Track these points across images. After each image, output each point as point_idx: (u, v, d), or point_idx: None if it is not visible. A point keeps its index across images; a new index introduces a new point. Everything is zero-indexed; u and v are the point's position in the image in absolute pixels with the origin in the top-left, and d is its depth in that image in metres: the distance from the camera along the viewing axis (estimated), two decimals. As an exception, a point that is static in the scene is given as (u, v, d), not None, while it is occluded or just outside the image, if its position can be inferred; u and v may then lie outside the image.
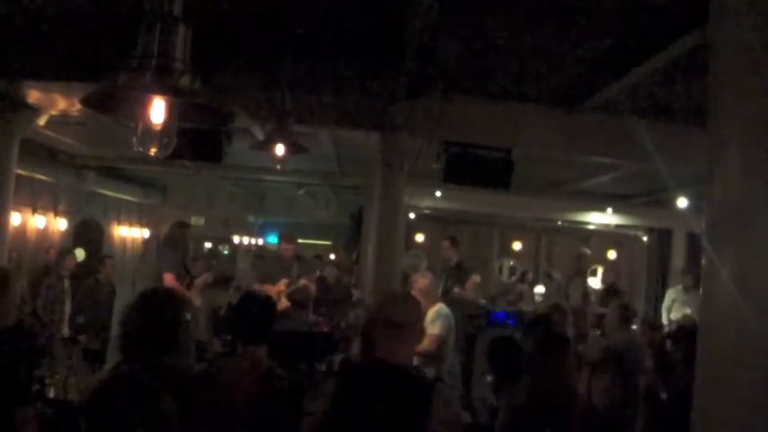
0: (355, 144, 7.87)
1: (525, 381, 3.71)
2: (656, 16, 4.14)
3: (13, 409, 3.09)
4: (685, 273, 10.15)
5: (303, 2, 4.52)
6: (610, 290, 10.84)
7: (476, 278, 8.71)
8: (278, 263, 7.55)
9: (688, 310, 8.81)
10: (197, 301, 7.51)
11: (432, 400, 2.65)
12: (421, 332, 2.92)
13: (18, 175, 7.19)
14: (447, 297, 7.39)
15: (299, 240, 9.65)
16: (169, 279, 6.99)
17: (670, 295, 10.04)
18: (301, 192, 14.33)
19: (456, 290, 7.88)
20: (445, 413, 2.67)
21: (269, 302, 3.52)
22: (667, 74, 4.93)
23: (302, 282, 7.26)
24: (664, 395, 4.75)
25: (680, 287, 9.95)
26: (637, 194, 11.31)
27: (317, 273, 8.19)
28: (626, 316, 6.05)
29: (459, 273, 8.20)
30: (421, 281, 6.19)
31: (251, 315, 3.35)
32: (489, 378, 4.56)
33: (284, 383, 3.14)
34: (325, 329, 8.19)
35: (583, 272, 12.70)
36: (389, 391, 2.69)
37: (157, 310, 2.83)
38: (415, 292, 6.23)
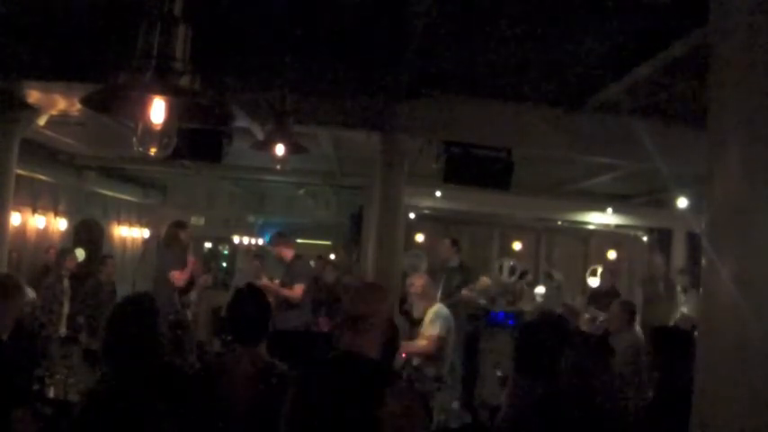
0: (355, 144, 7.87)
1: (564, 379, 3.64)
2: (656, 16, 4.14)
3: (11, 410, 3.09)
4: (683, 273, 10.14)
5: (303, 2, 4.52)
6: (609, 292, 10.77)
7: (485, 281, 8.72)
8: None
9: (684, 310, 8.81)
10: (201, 279, 7.57)
11: (384, 388, 2.66)
12: (382, 323, 2.92)
13: (18, 175, 7.19)
14: (450, 299, 7.39)
15: (299, 240, 9.72)
16: (177, 275, 7.01)
17: None
18: (301, 192, 14.33)
19: (464, 292, 7.88)
20: (400, 403, 2.68)
21: (263, 301, 3.46)
22: (667, 74, 4.93)
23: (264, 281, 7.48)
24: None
25: (678, 288, 9.96)
26: (637, 194, 11.31)
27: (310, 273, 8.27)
28: (631, 315, 6.06)
29: (463, 273, 8.20)
30: (416, 283, 6.19)
31: (245, 316, 3.30)
32: (499, 373, 4.51)
33: (284, 381, 3.13)
34: (325, 329, 8.21)
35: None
36: (344, 381, 2.72)
37: (135, 317, 2.80)
38: (412, 295, 6.25)
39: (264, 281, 7.56)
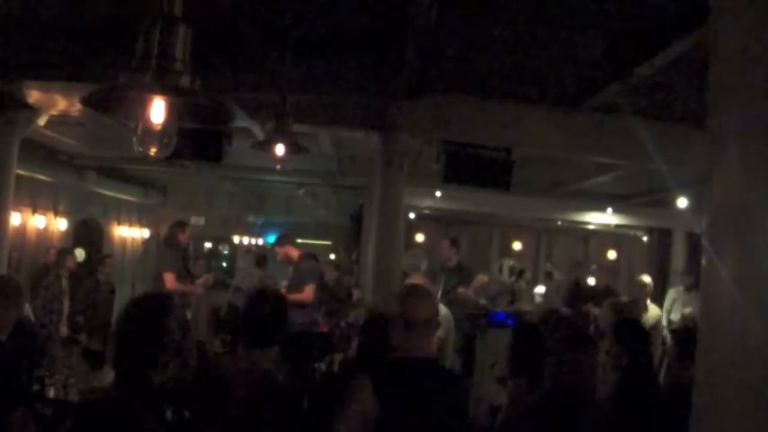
0: (355, 144, 7.88)
1: (547, 379, 3.64)
2: (656, 16, 4.14)
3: (10, 410, 3.09)
4: (686, 273, 10.11)
5: (303, 2, 4.52)
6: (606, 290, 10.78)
7: (482, 278, 8.73)
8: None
9: (687, 310, 8.80)
10: (198, 290, 7.58)
11: (468, 389, 2.75)
12: (437, 325, 2.95)
13: (18, 175, 7.18)
14: (448, 297, 7.41)
15: (299, 240, 9.73)
16: (170, 279, 7.02)
17: (671, 295, 10.01)
18: (301, 192, 14.33)
19: (461, 290, 7.90)
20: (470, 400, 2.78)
21: (281, 302, 3.34)
22: (667, 74, 4.93)
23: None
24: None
25: (681, 288, 9.93)
26: (637, 194, 11.31)
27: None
28: (619, 316, 6.06)
29: (461, 273, 8.21)
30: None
31: (261, 316, 3.18)
32: (495, 371, 4.52)
33: (283, 389, 3.10)
34: (325, 330, 8.21)
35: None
36: (437, 386, 2.73)
37: (148, 317, 2.76)
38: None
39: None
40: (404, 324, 2.82)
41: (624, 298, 9.41)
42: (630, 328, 4.50)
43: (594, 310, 8.08)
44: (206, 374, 3.29)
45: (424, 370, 2.79)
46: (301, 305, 7.31)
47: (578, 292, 9.48)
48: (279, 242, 8.01)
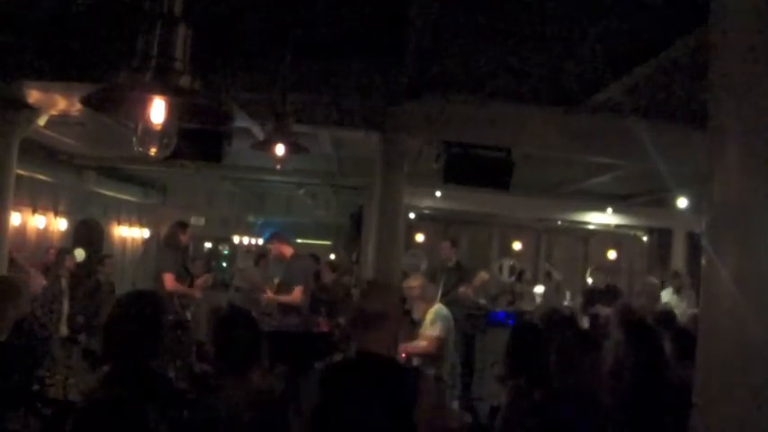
0: (355, 144, 7.88)
1: (555, 380, 3.62)
2: (657, 16, 4.14)
3: (10, 410, 3.09)
4: (677, 276, 10.09)
5: (303, 2, 4.52)
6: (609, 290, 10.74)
7: (483, 275, 8.73)
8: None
9: (689, 310, 8.80)
10: (197, 294, 7.59)
11: (418, 388, 2.70)
12: (400, 320, 2.92)
13: (18, 175, 7.18)
14: (448, 297, 7.41)
15: (299, 240, 9.76)
16: (169, 280, 7.01)
17: (662, 298, 9.99)
18: (301, 192, 14.33)
19: (461, 289, 7.90)
20: (432, 400, 2.73)
21: (252, 328, 3.24)
22: (667, 74, 4.93)
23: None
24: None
25: (670, 290, 9.92)
26: (637, 194, 11.32)
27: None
28: (627, 317, 6.05)
29: (460, 272, 8.22)
30: (412, 285, 6.18)
31: (235, 344, 3.11)
32: (495, 371, 4.52)
33: (280, 404, 3.05)
34: (325, 329, 8.21)
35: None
36: (375, 383, 2.71)
37: (138, 313, 2.76)
38: (410, 297, 6.25)
39: (268, 295, 7.51)
40: (356, 316, 2.87)
41: (640, 299, 9.38)
42: (637, 328, 4.49)
43: (603, 311, 8.08)
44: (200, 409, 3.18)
45: (365, 366, 2.78)
46: (293, 307, 7.29)
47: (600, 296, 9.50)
48: (270, 239, 8.11)
